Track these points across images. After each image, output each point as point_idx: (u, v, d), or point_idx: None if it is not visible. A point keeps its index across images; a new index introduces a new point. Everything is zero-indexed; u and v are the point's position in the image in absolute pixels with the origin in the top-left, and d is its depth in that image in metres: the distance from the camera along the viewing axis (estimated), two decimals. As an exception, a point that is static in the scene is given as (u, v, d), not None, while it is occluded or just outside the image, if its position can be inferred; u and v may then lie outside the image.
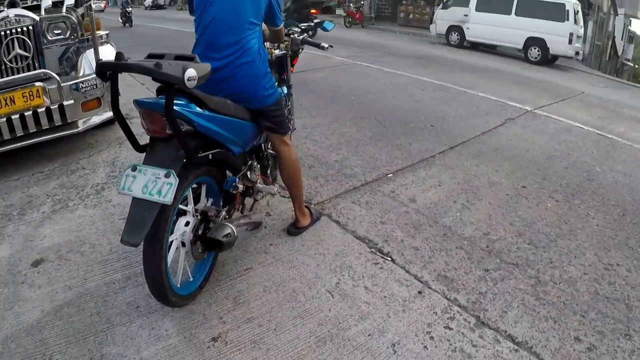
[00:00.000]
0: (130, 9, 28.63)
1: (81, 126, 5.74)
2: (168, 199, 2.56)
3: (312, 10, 5.27)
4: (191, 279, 3.30)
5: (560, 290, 3.63)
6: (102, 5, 44.63)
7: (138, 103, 2.77)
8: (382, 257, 3.90)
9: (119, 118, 2.89)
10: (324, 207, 4.71)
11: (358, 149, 6.42)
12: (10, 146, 5.17)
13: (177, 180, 2.61)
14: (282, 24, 3.78)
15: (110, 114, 6.11)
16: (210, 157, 3.03)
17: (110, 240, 4.02)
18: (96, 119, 5.96)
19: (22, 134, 5.19)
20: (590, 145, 7.44)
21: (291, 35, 4.30)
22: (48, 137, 5.46)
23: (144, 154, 2.89)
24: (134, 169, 2.66)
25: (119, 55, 2.61)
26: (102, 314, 3.16)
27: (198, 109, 2.93)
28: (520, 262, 3.98)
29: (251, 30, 3.36)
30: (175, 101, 2.65)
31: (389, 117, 8.07)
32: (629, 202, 5.38)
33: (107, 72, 2.64)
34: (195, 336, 2.98)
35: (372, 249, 4.02)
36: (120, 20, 27.35)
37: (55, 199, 4.74)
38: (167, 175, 2.60)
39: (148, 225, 2.59)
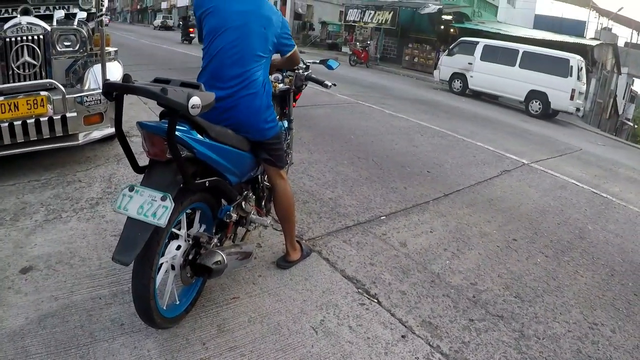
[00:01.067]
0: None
1: (82, 139, 5.77)
2: (162, 221, 2.59)
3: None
4: (177, 303, 3.29)
5: (543, 346, 3.64)
6: (107, 20, 44.48)
7: (141, 125, 2.81)
8: (369, 299, 3.90)
9: (121, 138, 2.93)
10: (315, 243, 4.72)
11: (353, 188, 6.44)
12: (10, 151, 5.19)
13: (173, 204, 2.65)
14: (294, 49, 3.79)
15: (111, 130, 6.15)
16: (207, 185, 3.08)
17: (100, 256, 4.01)
18: (97, 134, 5.99)
19: (23, 140, 5.22)
20: (584, 203, 7.48)
21: (296, 71, 4.36)
22: (48, 146, 5.49)
23: (141, 175, 2.92)
24: (131, 189, 2.70)
25: (126, 77, 2.65)
26: (85, 327, 3.15)
27: (199, 136, 2.97)
28: (506, 315, 3.98)
29: (257, 62, 3.43)
30: (177, 127, 2.71)
31: (386, 159, 8.12)
32: (619, 262, 5.40)
33: (114, 92, 2.68)
34: (177, 360, 2.98)
35: (359, 290, 4.02)
36: None
37: (49, 209, 4.75)
38: (163, 199, 2.64)
39: (140, 245, 2.62)
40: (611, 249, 5.77)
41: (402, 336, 3.49)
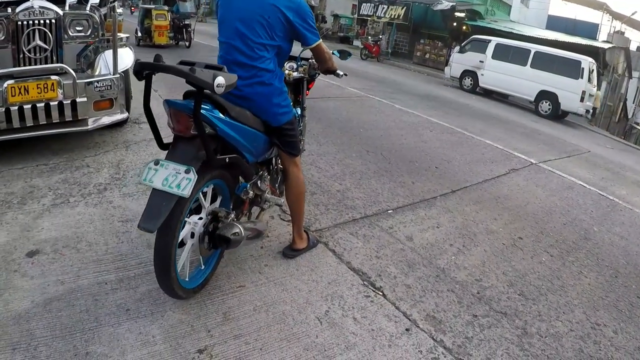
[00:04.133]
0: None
1: (91, 124, 5.79)
2: (186, 192, 2.78)
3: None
4: (201, 268, 3.54)
5: (546, 344, 3.64)
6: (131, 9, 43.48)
7: (168, 103, 3.02)
8: (374, 291, 3.92)
9: (149, 115, 3.16)
10: (322, 235, 4.73)
11: (361, 181, 6.46)
12: (19, 135, 5.22)
13: (196, 177, 2.82)
14: (318, 42, 3.72)
15: (120, 116, 6.18)
16: (227, 161, 3.24)
17: (107, 241, 4.04)
18: (106, 120, 6.01)
19: (32, 124, 5.24)
20: (591, 204, 7.46)
21: (309, 60, 4.40)
22: (57, 130, 5.51)
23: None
24: (156, 163, 2.88)
25: (157, 57, 2.86)
26: (91, 312, 3.18)
27: (221, 115, 3.16)
28: (509, 312, 3.99)
29: (265, 51, 3.49)
30: (202, 105, 2.90)
31: (394, 153, 8.12)
32: (623, 264, 5.39)
33: (144, 71, 2.87)
34: (182, 346, 2.99)
35: (364, 282, 4.03)
36: None
37: (57, 193, 4.77)
38: (187, 171, 2.81)
39: (164, 214, 2.79)
40: (616, 251, 5.77)
41: (406, 329, 3.51)
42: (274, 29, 3.48)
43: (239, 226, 3.34)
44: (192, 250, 3.31)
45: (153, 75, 2.96)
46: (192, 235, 3.23)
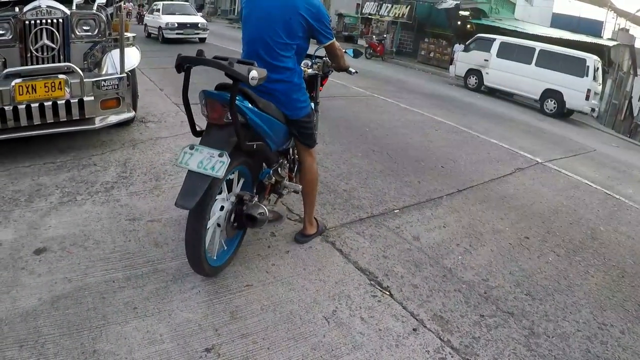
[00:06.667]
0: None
1: (98, 123, 5.82)
2: (220, 173, 3.05)
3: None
4: (225, 248, 3.80)
5: (553, 344, 3.64)
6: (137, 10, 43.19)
7: (205, 94, 3.32)
8: (381, 291, 3.92)
9: (186, 105, 3.42)
10: (329, 234, 4.74)
11: (367, 181, 6.45)
12: (26, 133, 5.25)
13: (229, 160, 3.10)
14: (331, 41, 3.97)
15: (127, 115, 6.20)
16: (254, 147, 3.52)
17: (114, 239, 4.05)
18: (113, 118, 6.04)
19: (39, 122, 5.26)
20: (597, 203, 7.44)
21: (323, 58, 4.65)
22: (64, 129, 5.54)
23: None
24: (191, 147, 3.17)
25: (199, 52, 3.15)
26: (98, 310, 3.19)
27: (250, 106, 3.47)
28: (516, 312, 3.98)
29: (286, 50, 3.73)
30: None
31: (400, 153, 8.11)
32: (630, 264, 5.38)
33: (185, 64, 3.18)
34: (189, 345, 3.00)
35: (372, 282, 4.03)
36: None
37: (64, 191, 4.79)
38: (220, 155, 3.10)
39: (199, 194, 3.05)
40: (622, 251, 5.74)
41: (414, 329, 3.51)
42: (295, 30, 3.71)
43: (263, 206, 3.64)
44: (217, 232, 3.58)
45: (191, 69, 3.23)
46: (222, 208, 3.50)
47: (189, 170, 3.12)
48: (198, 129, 3.61)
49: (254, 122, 3.48)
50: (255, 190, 3.92)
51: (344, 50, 4.39)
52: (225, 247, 3.79)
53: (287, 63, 3.78)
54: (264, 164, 3.98)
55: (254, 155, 3.68)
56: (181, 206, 3.01)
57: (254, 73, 3.02)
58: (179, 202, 3.01)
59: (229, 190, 3.63)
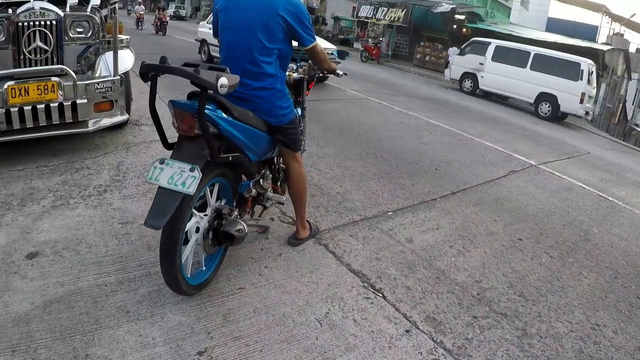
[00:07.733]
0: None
1: (91, 126, 5.80)
2: (191, 190, 2.85)
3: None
4: (203, 268, 3.57)
5: (546, 345, 3.64)
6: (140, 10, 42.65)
7: (173, 103, 3.12)
8: (374, 293, 3.92)
9: (154, 116, 3.23)
10: (322, 237, 4.73)
11: (361, 183, 6.45)
12: (19, 136, 5.22)
13: (201, 175, 2.90)
14: (313, 43, 3.82)
15: (120, 118, 6.19)
16: (230, 159, 3.34)
17: (107, 243, 4.04)
18: (106, 121, 6.02)
19: (32, 125, 5.24)
20: (590, 206, 7.47)
21: (309, 61, 4.44)
22: (57, 132, 5.52)
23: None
24: (161, 162, 2.97)
25: (163, 59, 2.97)
26: (91, 314, 3.17)
27: (224, 115, 3.26)
28: (509, 313, 3.99)
29: (266, 54, 3.59)
30: (206, 106, 3.00)
31: (394, 155, 8.12)
32: (622, 265, 5.39)
33: (150, 73, 2.99)
34: (182, 348, 2.99)
35: (364, 284, 4.03)
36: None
37: (56, 195, 4.77)
38: (191, 170, 2.90)
39: (170, 212, 2.86)
40: (615, 252, 5.76)
41: (406, 331, 3.51)
42: (275, 33, 3.57)
43: (242, 223, 3.46)
44: (195, 249, 3.38)
45: (158, 77, 3.05)
46: (197, 230, 3.31)
47: (159, 187, 2.93)
48: (170, 141, 3.36)
49: (228, 132, 3.27)
50: (235, 204, 3.76)
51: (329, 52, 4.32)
52: (204, 267, 3.59)
53: (269, 69, 3.62)
54: (243, 176, 3.83)
55: (232, 167, 3.53)
56: (150, 226, 2.82)
57: (223, 80, 2.84)
58: (148, 222, 2.82)
59: (212, 200, 3.46)
